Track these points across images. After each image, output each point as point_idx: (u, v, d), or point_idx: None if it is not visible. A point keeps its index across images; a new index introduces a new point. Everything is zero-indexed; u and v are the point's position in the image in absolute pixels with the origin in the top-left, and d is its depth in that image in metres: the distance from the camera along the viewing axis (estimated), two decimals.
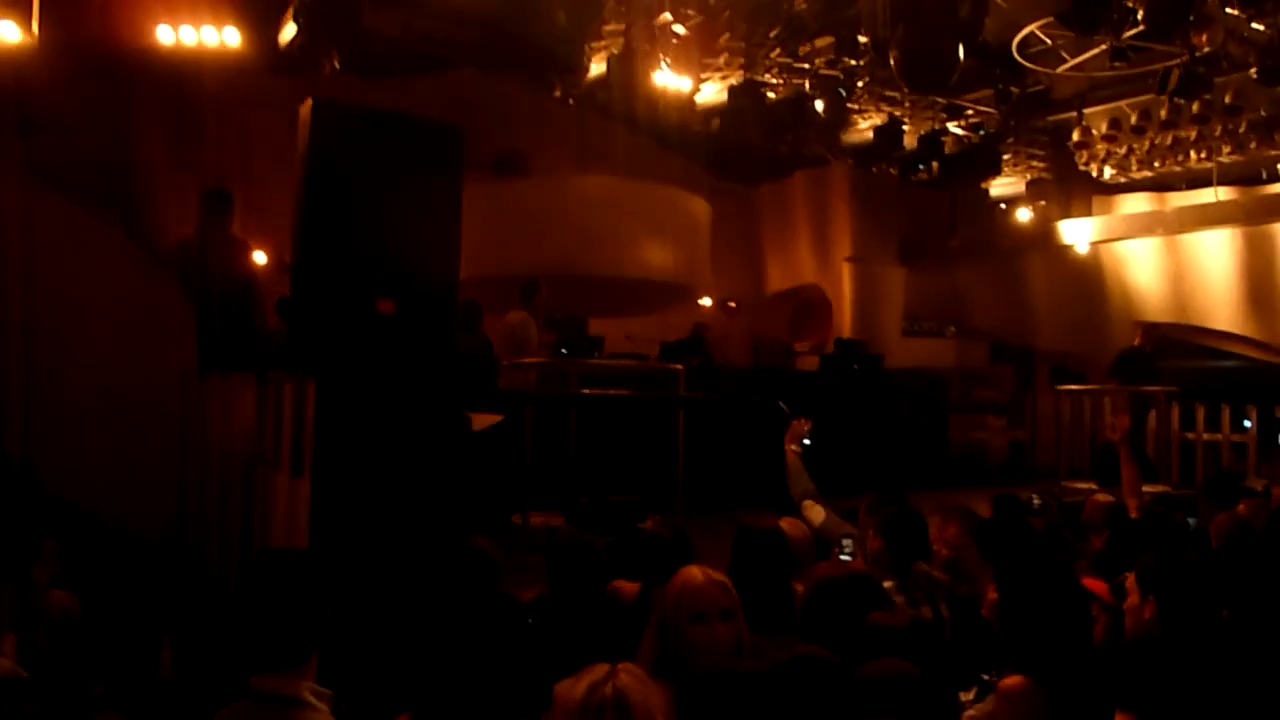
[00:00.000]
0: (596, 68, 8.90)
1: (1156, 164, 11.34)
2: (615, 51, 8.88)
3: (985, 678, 2.77)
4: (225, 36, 8.18)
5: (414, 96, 9.40)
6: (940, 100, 10.69)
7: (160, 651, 2.97)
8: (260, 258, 8.39)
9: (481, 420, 5.28)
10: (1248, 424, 10.77)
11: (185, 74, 8.57)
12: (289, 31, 7.61)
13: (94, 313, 4.38)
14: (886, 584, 3.36)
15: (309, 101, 4.29)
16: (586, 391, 7.33)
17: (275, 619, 2.24)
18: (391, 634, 3.24)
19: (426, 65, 9.99)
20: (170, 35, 8.18)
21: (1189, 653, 2.58)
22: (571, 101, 10.38)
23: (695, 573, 2.60)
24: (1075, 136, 11.40)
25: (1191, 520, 5.10)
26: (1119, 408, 9.62)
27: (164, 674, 2.95)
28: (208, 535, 3.86)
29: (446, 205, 4.54)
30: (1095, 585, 3.36)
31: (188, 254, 5.67)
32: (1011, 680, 2.42)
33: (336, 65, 7.62)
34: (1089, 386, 11.02)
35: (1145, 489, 5.45)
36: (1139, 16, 7.65)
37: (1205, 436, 10.69)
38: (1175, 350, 11.63)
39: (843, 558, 4.02)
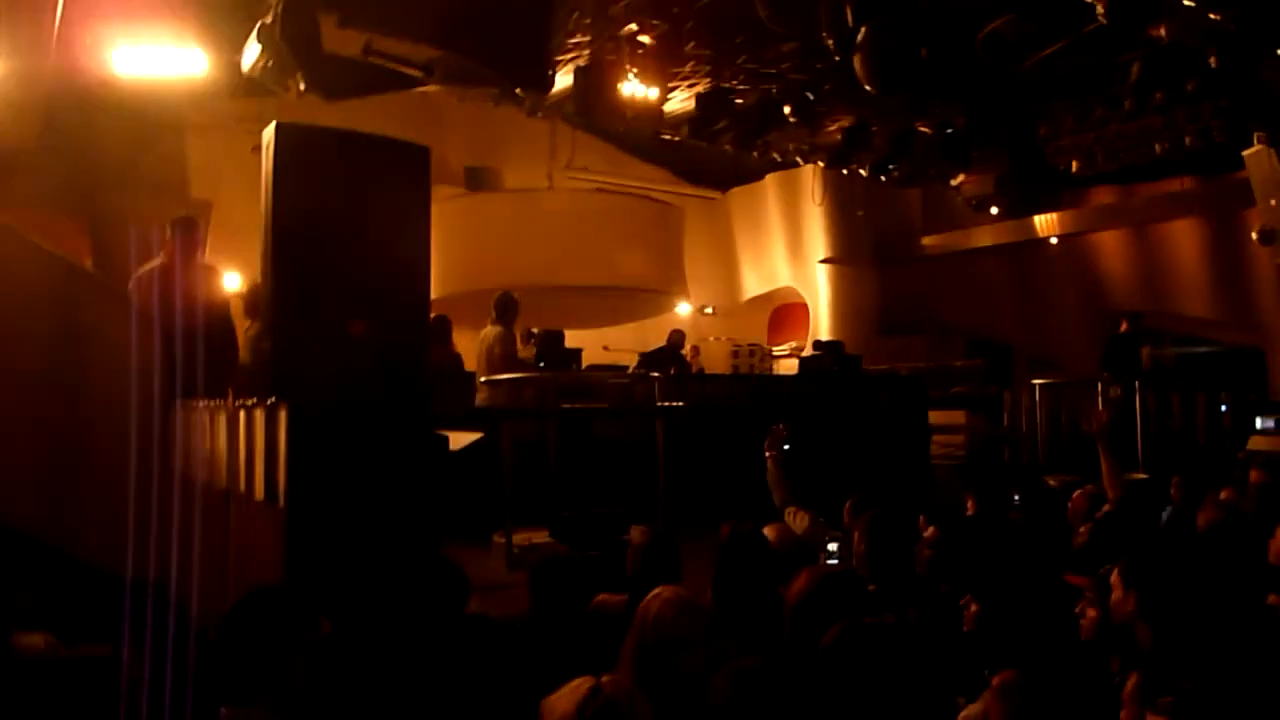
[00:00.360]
0: (564, 80, 8.89)
1: (1122, 154, 11.44)
2: (582, 63, 8.88)
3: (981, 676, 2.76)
4: (188, 61, 8.12)
5: (384, 114, 9.35)
6: (906, 100, 10.73)
7: (133, 686, 2.92)
8: (232, 283, 8.32)
9: (459, 439, 5.25)
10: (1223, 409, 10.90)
11: (149, 99, 8.50)
12: (252, 54, 7.56)
13: (65, 345, 4.32)
14: (871, 587, 3.36)
15: (272, 125, 4.26)
16: (565, 406, 7.30)
17: (247, 653, 2.22)
18: (371, 660, 3.20)
19: (394, 83, 9.95)
20: (132, 61, 8.12)
21: (1185, 647, 2.58)
22: (541, 114, 10.36)
23: (670, 596, 2.59)
24: (1042, 129, 11.49)
25: (1167, 509, 5.13)
26: (1094, 400, 9.74)
27: (135, 709, 2.90)
28: (180, 566, 3.81)
29: (415, 224, 4.51)
30: (1079, 580, 3.37)
31: (158, 283, 5.62)
32: (1004, 676, 2.41)
33: (301, 87, 7.57)
34: (1065, 379, 11.11)
35: (1125, 478, 5.47)
36: (1100, 11, 7.72)
37: (1181, 423, 10.79)
38: (1154, 338, 11.75)
39: (829, 563, 4.01)
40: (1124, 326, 10.62)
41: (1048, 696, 2.31)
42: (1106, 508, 4.72)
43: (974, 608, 3.08)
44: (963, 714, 2.69)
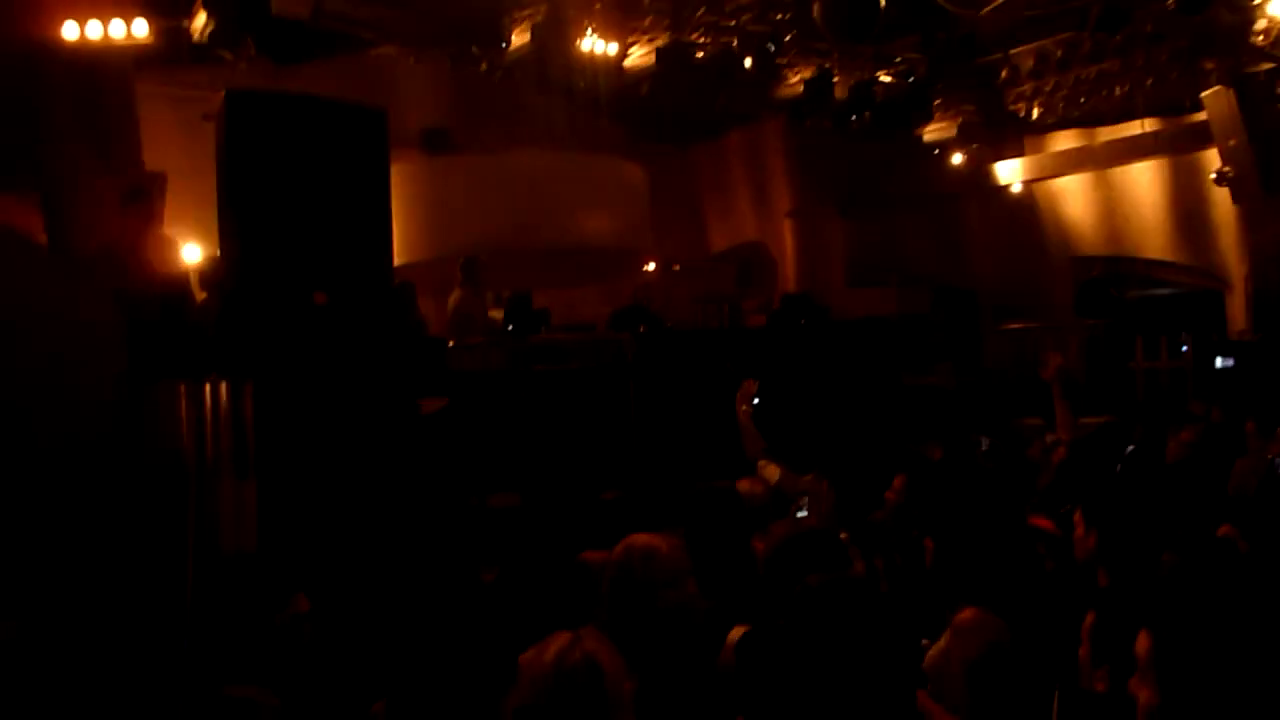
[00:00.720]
0: (520, 38, 8.76)
1: (1082, 99, 11.48)
2: (539, 20, 8.74)
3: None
4: (134, 28, 7.91)
5: (337, 79, 9.17)
6: (867, 49, 10.69)
7: (106, 666, 2.92)
8: (191, 255, 8.19)
9: (431, 404, 5.23)
10: (1185, 350, 11.08)
11: (98, 69, 8.28)
12: (200, 21, 7.40)
13: (23, 323, 4.25)
14: (842, 535, 3.40)
15: (223, 94, 4.17)
16: (537, 368, 7.28)
17: (233, 629, 2.23)
18: (356, 625, 3.22)
19: (346, 46, 9.76)
20: (77, 30, 7.89)
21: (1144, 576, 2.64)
22: (499, 74, 10.23)
23: (652, 539, 2.59)
24: (1003, 76, 11.50)
25: (1128, 449, 5.23)
26: (1050, 345, 9.88)
27: (109, 688, 2.90)
28: (153, 544, 3.79)
29: (373, 188, 4.46)
30: (1043, 522, 3.43)
31: (115, 256, 5.51)
32: (964, 613, 2.45)
33: (252, 53, 7.42)
34: (1030, 324, 11.25)
35: (1086, 421, 5.57)
36: None
37: (1144, 364, 10.97)
38: (1122, 282, 11.92)
39: (800, 515, 4.06)
40: (1096, 271, 10.79)
41: (1010, 630, 2.36)
42: (1063, 450, 4.80)
43: (931, 546, 3.13)
44: (929, 654, 2.75)
